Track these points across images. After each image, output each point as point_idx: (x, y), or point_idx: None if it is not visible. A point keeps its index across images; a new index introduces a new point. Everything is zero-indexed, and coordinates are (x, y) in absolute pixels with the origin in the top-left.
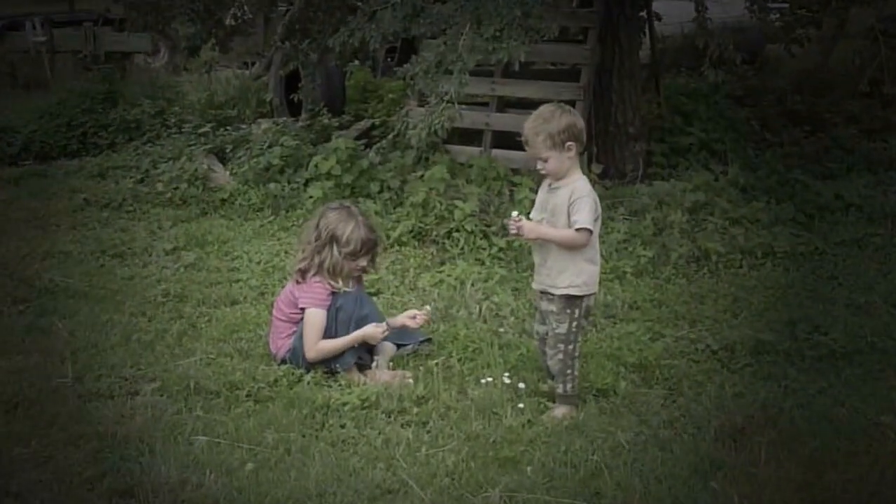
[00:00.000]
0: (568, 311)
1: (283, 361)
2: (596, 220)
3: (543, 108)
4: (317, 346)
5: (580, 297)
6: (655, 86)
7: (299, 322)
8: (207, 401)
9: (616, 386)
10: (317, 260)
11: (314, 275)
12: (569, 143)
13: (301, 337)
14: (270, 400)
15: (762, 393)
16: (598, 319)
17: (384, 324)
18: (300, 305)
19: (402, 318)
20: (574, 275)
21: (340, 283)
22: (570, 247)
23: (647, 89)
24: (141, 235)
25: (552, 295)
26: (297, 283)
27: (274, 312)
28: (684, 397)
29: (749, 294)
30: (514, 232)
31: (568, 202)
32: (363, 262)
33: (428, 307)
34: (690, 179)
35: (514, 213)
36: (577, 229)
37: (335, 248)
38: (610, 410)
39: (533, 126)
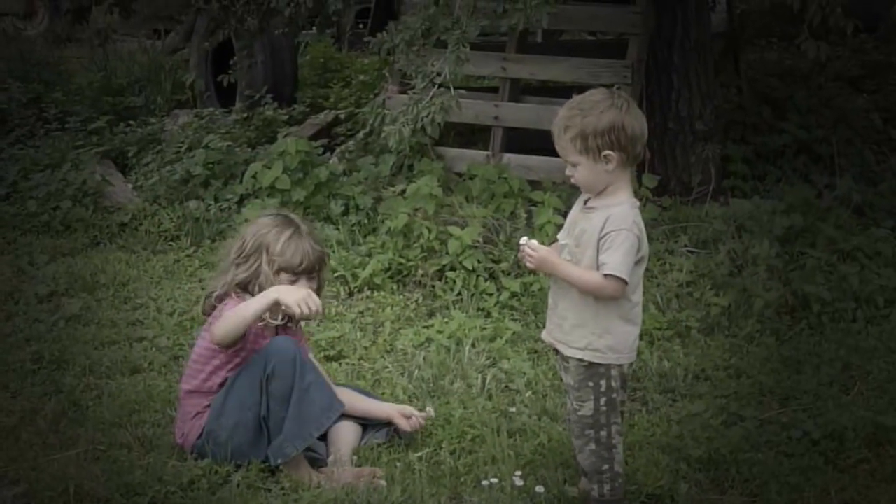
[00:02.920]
0: (590, 383)
1: (198, 455)
2: (638, 262)
3: (591, 94)
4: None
5: (606, 366)
6: (734, 64)
7: (216, 393)
8: None
9: (675, 490)
10: (232, 275)
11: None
12: (607, 152)
13: (219, 416)
14: None
15: (883, 501)
16: (649, 395)
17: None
18: (208, 334)
19: (390, 410)
20: (595, 334)
21: (269, 314)
22: (592, 295)
23: (722, 69)
24: (4, 275)
25: (566, 358)
26: (206, 315)
27: (182, 383)
28: None
29: (865, 359)
30: (523, 258)
31: (599, 233)
32: (302, 282)
33: (430, 410)
34: (783, 196)
35: (525, 239)
36: (606, 275)
37: (265, 260)
38: None
39: (565, 116)
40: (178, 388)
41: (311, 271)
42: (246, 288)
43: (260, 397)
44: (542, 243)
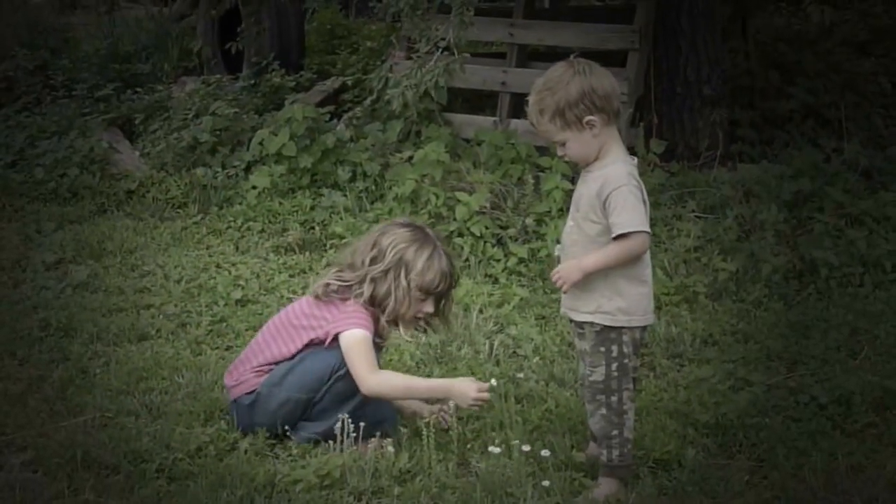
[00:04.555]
0: (602, 348)
1: (238, 407)
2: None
3: (551, 71)
4: (379, 372)
5: (618, 330)
6: (742, 29)
7: (293, 357)
8: (101, 479)
9: (682, 455)
10: (369, 290)
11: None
12: (588, 117)
13: (275, 385)
14: (191, 477)
15: (890, 465)
16: (657, 360)
17: (485, 384)
18: (333, 330)
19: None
20: (605, 297)
21: (402, 329)
22: (626, 261)
23: (730, 34)
24: (12, 242)
25: (579, 324)
26: (317, 297)
27: (265, 329)
28: (779, 471)
29: (873, 324)
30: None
31: (598, 198)
32: (429, 307)
33: (493, 382)
34: (791, 161)
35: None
36: (620, 235)
37: (403, 276)
38: (673, 490)
39: (536, 100)
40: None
41: (445, 293)
42: (380, 303)
43: (321, 386)
44: (549, 210)
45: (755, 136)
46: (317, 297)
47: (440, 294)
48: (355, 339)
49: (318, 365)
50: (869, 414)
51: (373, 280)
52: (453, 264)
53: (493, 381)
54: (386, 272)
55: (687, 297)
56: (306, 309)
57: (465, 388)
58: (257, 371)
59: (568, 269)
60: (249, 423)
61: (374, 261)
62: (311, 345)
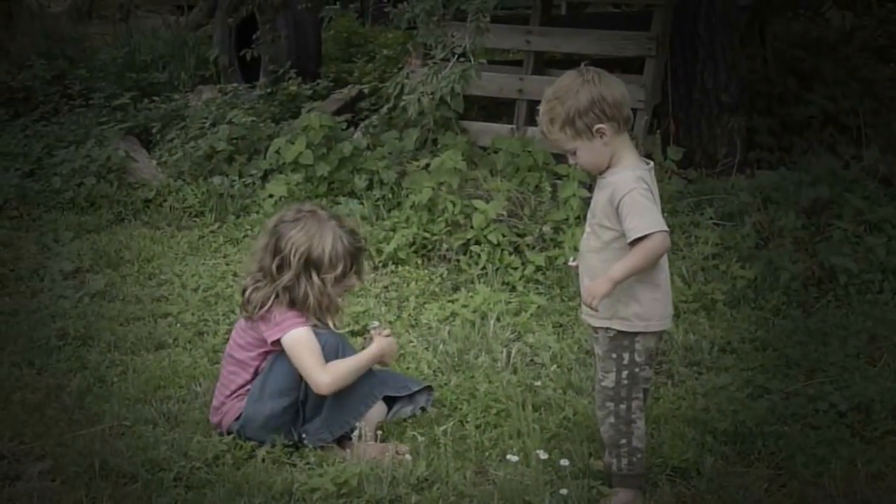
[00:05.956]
0: (614, 355)
1: (229, 432)
2: None
3: (561, 80)
4: (327, 368)
5: (632, 335)
6: (760, 35)
7: (256, 374)
8: (119, 487)
9: (700, 463)
10: (286, 297)
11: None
12: (598, 126)
13: (257, 400)
14: (209, 485)
15: None
16: (675, 368)
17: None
18: (271, 339)
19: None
20: (622, 302)
21: (330, 321)
22: (649, 263)
23: (747, 40)
24: (29, 251)
25: (596, 329)
26: (250, 319)
27: (224, 360)
28: (798, 479)
29: (893, 331)
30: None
31: (610, 205)
32: (352, 282)
33: (376, 323)
34: (809, 167)
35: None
36: (639, 238)
37: (315, 275)
38: (691, 498)
39: (546, 109)
40: (222, 372)
41: (358, 265)
42: (302, 304)
43: (299, 382)
44: (567, 218)
45: (773, 142)
46: (246, 317)
47: (355, 266)
48: (294, 342)
49: (286, 366)
50: (888, 421)
51: (286, 288)
52: (355, 232)
53: (377, 323)
54: (297, 277)
55: (705, 304)
56: (244, 325)
57: (391, 344)
58: (236, 397)
59: (596, 283)
60: None
61: (280, 270)
62: (267, 356)
